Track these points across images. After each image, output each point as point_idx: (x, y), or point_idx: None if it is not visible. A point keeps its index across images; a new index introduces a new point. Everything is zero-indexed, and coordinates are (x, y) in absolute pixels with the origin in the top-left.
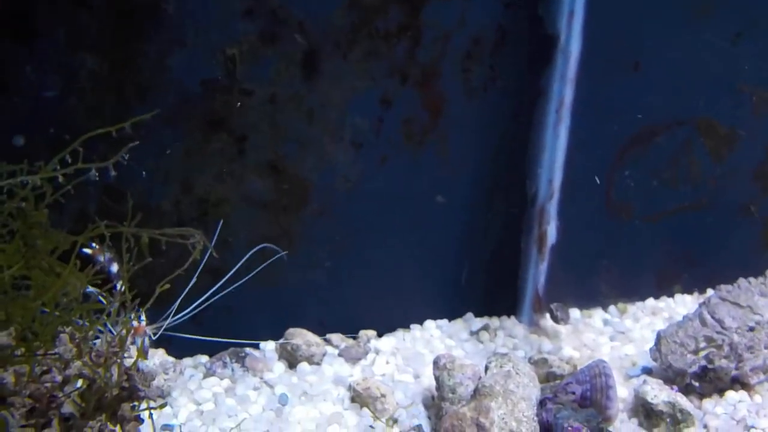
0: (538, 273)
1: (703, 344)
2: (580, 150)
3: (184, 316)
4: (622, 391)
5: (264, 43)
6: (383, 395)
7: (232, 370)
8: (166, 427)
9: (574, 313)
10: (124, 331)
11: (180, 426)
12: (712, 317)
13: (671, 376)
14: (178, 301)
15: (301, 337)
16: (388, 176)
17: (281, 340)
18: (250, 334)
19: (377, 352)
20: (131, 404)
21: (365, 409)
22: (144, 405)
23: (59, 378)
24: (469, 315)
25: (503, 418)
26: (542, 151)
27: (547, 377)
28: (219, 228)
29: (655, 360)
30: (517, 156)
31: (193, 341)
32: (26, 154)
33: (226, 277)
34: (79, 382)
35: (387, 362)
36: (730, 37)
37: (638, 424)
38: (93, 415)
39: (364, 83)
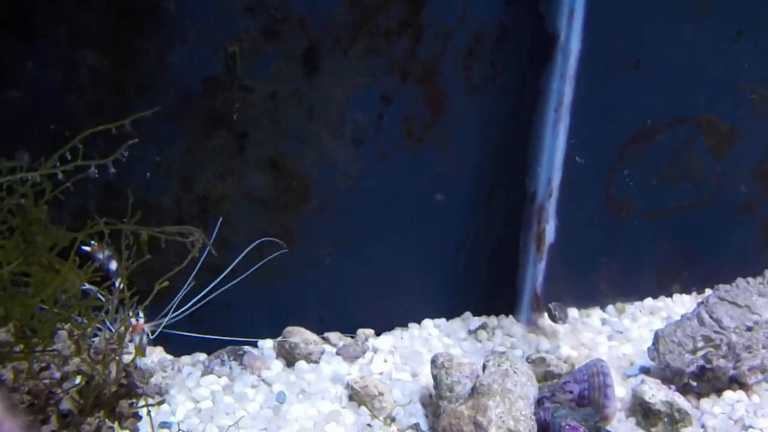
0: (536, 272)
1: (701, 344)
2: (579, 148)
3: (182, 313)
4: (620, 391)
5: (265, 40)
6: (381, 394)
7: (230, 368)
8: (164, 424)
9: (573, 312)
10: (122, 329)
11: (178, 424)
12: (711, 317)
13: (669, 376)
14: (177, 298)
15: (300, 336)
16: (389, 173)
17: (279, 338)
18: (248, 332)
19: (375, 350)
20: (129, 401)
21: (363, 408)
22: (142, 402)
23: (58, 375)
24: (467, 314)
25: (501, 417)
26: (541, 149)
27: (545, 376)
28: (218, 225)
29: (653, 359)
30: (518, 154)
31: (191, 339)
32: (26, 151)
33: (224, 274)
34: (78, 379)
35: (385, 361)
36: (731, 35)
37: (636, 423)
38: (91, 412)
39: (364, 80)
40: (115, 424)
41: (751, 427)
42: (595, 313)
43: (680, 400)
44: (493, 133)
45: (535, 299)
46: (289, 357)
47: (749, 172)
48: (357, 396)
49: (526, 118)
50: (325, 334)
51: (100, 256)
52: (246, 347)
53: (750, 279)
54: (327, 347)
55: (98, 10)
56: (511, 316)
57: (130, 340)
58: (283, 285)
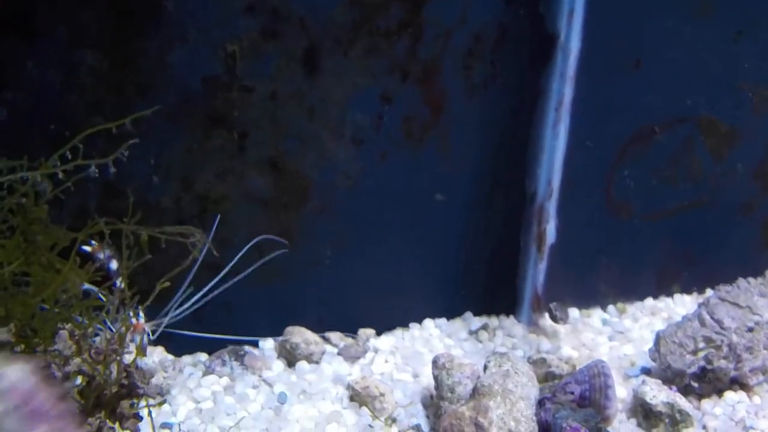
0: (537, 272)
1: (702, 345)
2: (579, 149)
3: (182, 312)
4: (621, 392)
5: (265, 40)
6: (382, 394)
7: (231, 368)
8: (165, 425)
9: (573, 312)
10: (123, 329)
11: (179, 424)
12: (711, 317)
13: (670, 377)
14: (177, 298)
15: (300, 336)
16: (389, 173)
17: (280, 339)
18: (249, 332)
19: (376, 351)
20: (130, 402)
21: (364, 408)
22: (143, 402)
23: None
24: (468, 314)
25: (502, 418)
26: (541, 149)
27: (546, 377)
28: (216, 222)
29: (654, 360)
30: (518, 154)
31: (192, 339)
32: (26, 150)
33: (223, 272)
34: (79, 379)
35: (386, 361)
36: (731, 35)
37: (637, 424)
38: (92, 412)
39: (364, 80)
40: (116, 425)
41: (752, 428)
42: (596, 314)
43: (681, 401)
44: (493, 133)
45: (535, 299)
46: (290, 357)
47: (749, 173)
48: (358, 396)
49: (526, 118)
50: (326, 335)
51: (101, 255)
52: (247, 347)
53: (751, 279)
54: (328, 347)
55: (98, 9)
56: (512, 317)
57: (131, 340)
58: (284, 285)
